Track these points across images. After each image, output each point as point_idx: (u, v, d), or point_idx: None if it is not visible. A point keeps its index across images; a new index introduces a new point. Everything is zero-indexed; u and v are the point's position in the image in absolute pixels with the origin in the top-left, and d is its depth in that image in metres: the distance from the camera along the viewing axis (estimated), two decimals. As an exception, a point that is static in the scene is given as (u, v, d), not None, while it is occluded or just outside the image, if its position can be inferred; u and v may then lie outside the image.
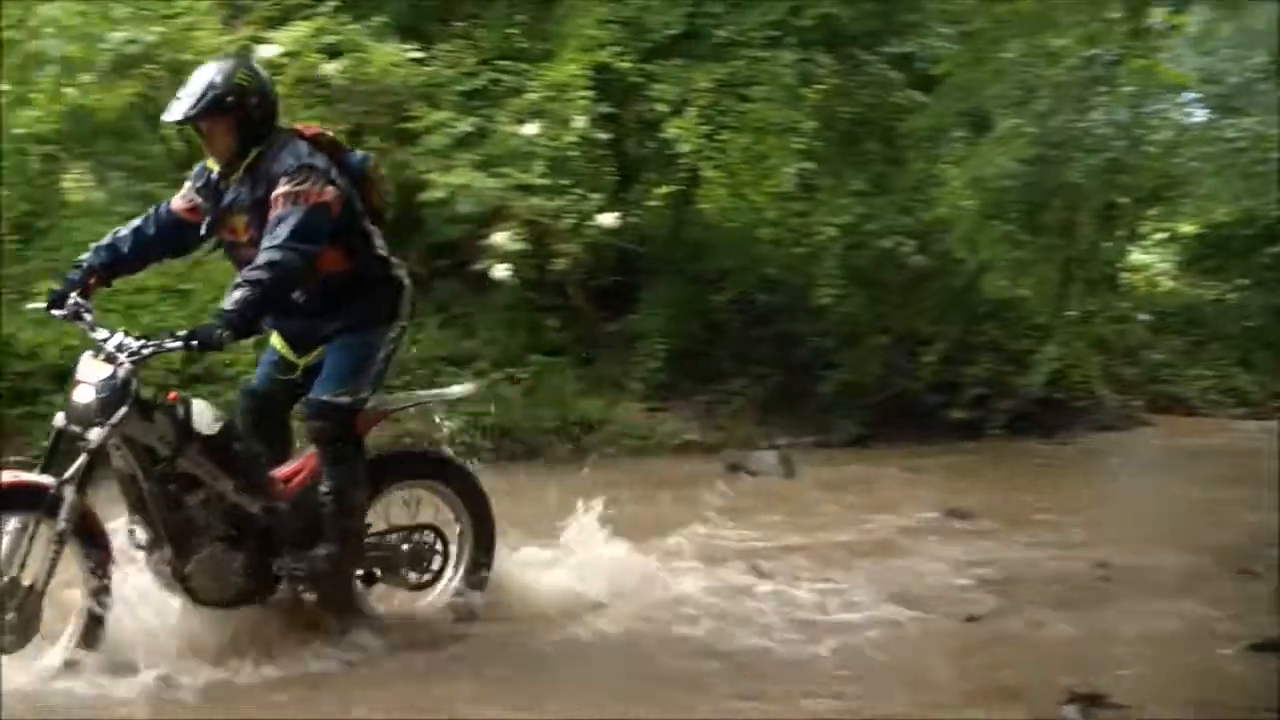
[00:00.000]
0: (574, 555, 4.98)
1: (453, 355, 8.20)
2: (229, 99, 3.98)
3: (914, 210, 10.15)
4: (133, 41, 7.86)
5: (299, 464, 4.32)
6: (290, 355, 4.33)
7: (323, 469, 4.22)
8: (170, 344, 3.79)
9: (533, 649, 4.38)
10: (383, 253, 4.29)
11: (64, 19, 7.80)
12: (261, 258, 3.89)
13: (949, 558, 5.73)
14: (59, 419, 3.84)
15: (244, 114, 4.01)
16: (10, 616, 3.72)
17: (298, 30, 8.13)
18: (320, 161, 4.07)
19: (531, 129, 8.38)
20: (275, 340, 4.37)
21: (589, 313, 9.64)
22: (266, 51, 7.76)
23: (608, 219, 8.57)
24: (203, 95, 3.96)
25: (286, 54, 7.91)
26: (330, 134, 4.34)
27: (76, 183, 8.84)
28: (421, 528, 4.57)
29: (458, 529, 4.65)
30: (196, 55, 7.13)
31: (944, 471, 8.27)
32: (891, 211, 10.02)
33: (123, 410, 3.78)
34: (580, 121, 8.55)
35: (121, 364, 3.79)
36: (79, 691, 3.67)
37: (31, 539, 3.73)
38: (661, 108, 9.10)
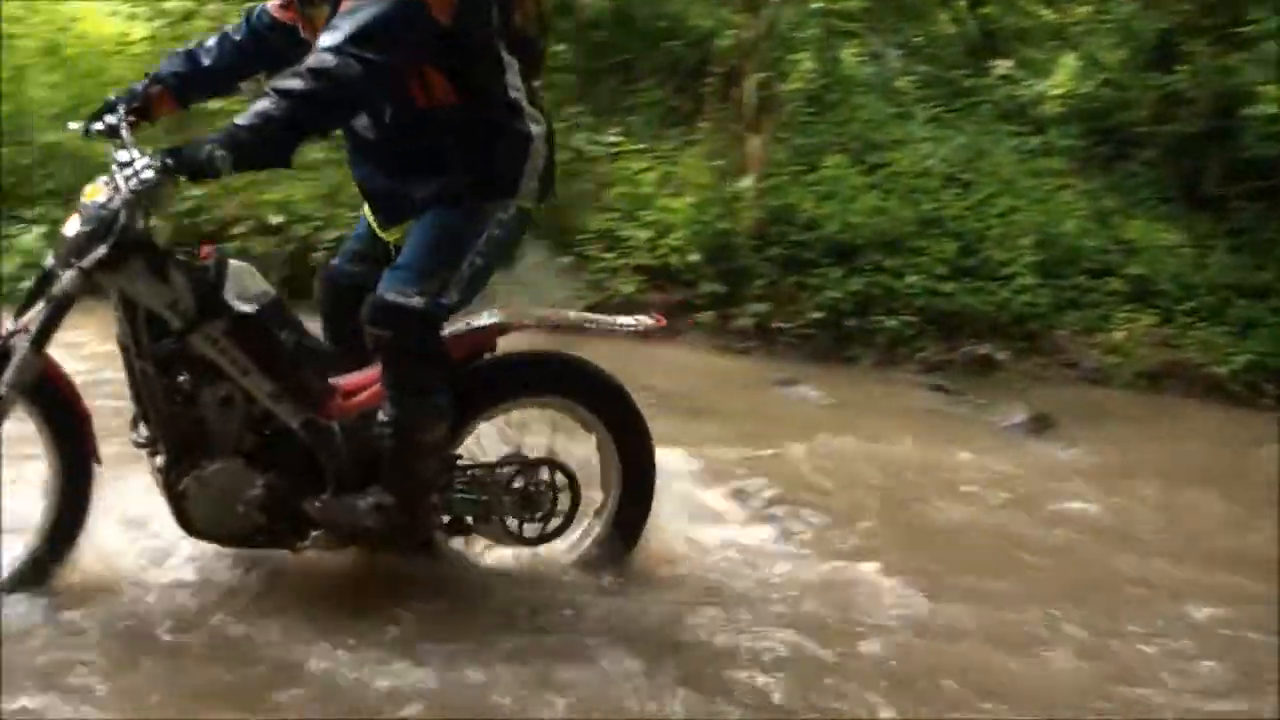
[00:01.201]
0: None
1: (1243, 284, 7.18)
2: None
3: None
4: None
5: (371, 374, 3.19)
6: (379, 228, 3.28)
7: (385, 393, 3.12)
8: (141, 165, 2.77)
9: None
10: (517, 96, 3.09)
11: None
12: (306, 61, 2.83)
13: None
14: (49, 259, 3.00)
15: None
16: None
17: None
18: None
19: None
20: (367, 208, 3.34)
21: None
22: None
23: None
24: None
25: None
26: None
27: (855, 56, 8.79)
28: (537, 463, 3.37)
29: (602, 464, 3.47)
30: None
31: None
32: None
33: (101, 251, 2.84)
34: None
35: (120, 190, 2.82)
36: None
37: None
38: None
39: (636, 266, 6.60)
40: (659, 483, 3.52)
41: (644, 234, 6.69)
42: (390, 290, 3.01)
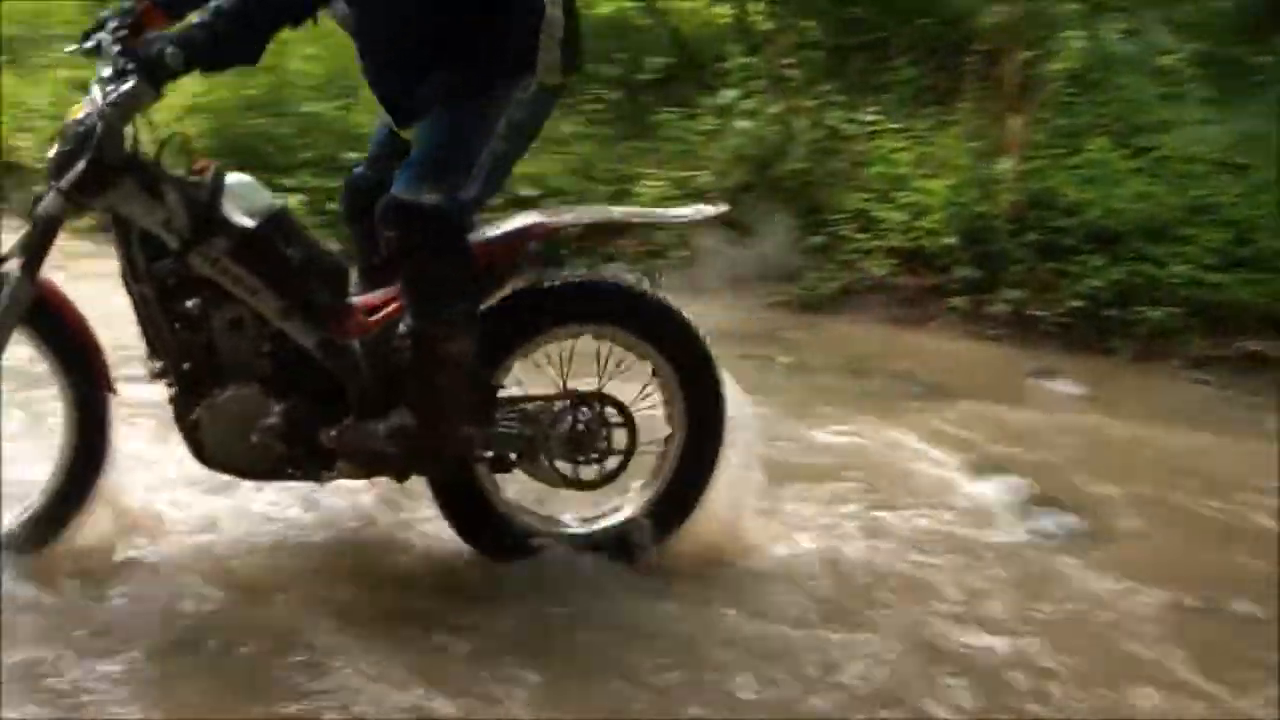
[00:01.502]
0: None
1: None
2: None
3: None
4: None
5: (395, 290, 2.97)
6: (396, 128, 3.07)
7: (404, 302, 2.91)
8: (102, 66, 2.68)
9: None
10: None
11: None
12: None
13: None
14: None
15: None
16: None
17: None
18: None
19: None
20: (381, 109, 3.10)
21: None
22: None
23: None
24: None
25: None
26: None
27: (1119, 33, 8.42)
28: (587, 397, 3.08)
29: (665, 404, 3.15)
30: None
31: None
32: None
33: (80, 167, 2.73)
34: None
35: (97, 105, 2.72)
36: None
37: None
38: None
39: (890, 249, 6.53)
40: (918, 471, 3.42)
41: (898, 216, 6.62)
42: (402, 188, 2.84)
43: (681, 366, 3.16)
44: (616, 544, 3.18)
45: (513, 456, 3.15)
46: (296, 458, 2.98)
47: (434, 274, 2.86)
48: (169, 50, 2.63)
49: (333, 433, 2.94)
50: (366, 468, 3.03)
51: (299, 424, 2.93)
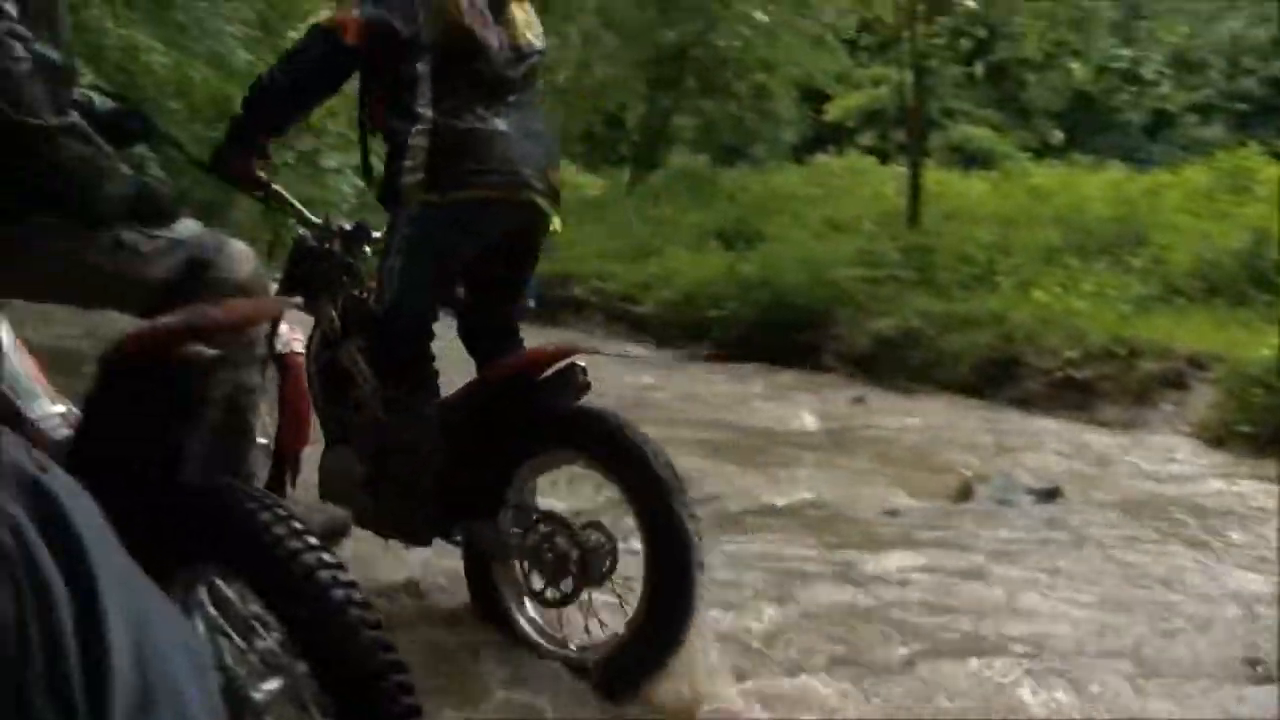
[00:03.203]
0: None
1: None
2: None
3: None
4: None
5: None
6: None
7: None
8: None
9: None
10: (420, 106, 3.23)
11: None
12: None
13: None
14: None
15: None
16: None
17: None
18: None
19: None
20: None
21: None
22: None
23: None
24: None
25: None
26: None
27: None
28: (562, 523, 3.19)
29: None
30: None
31: None
32: None
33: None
34: None
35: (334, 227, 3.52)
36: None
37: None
38: None
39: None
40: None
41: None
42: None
43: (641, 507, 3.11)
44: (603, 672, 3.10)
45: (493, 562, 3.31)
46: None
47: (389, 372, 3.37)
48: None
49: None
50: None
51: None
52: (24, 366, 2.53)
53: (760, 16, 15.37)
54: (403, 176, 3.26)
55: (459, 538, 3.36)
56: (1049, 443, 6.68)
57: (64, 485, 0.63)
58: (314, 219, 3.46)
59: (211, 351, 2.08)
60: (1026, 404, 7.67)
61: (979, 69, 14.92)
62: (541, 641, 3.26)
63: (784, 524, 4.88)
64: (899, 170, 13.91)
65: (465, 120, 3.26)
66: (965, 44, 12.36)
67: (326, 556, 1.94)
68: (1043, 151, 17.49)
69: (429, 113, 3.24)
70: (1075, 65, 14.66)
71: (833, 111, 19.34)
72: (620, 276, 11.14)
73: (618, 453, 3.11)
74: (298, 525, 1.96)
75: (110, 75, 9.51)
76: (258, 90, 3.24)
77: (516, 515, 3.26)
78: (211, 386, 2.10)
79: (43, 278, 2.37)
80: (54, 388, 2.52)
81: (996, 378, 8.03)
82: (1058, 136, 17.30)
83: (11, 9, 2.13)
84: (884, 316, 8.97)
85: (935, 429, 7.01)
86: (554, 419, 3.26)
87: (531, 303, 3.60)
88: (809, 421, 7.19)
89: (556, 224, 3.44)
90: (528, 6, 3.45)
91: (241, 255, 2.40)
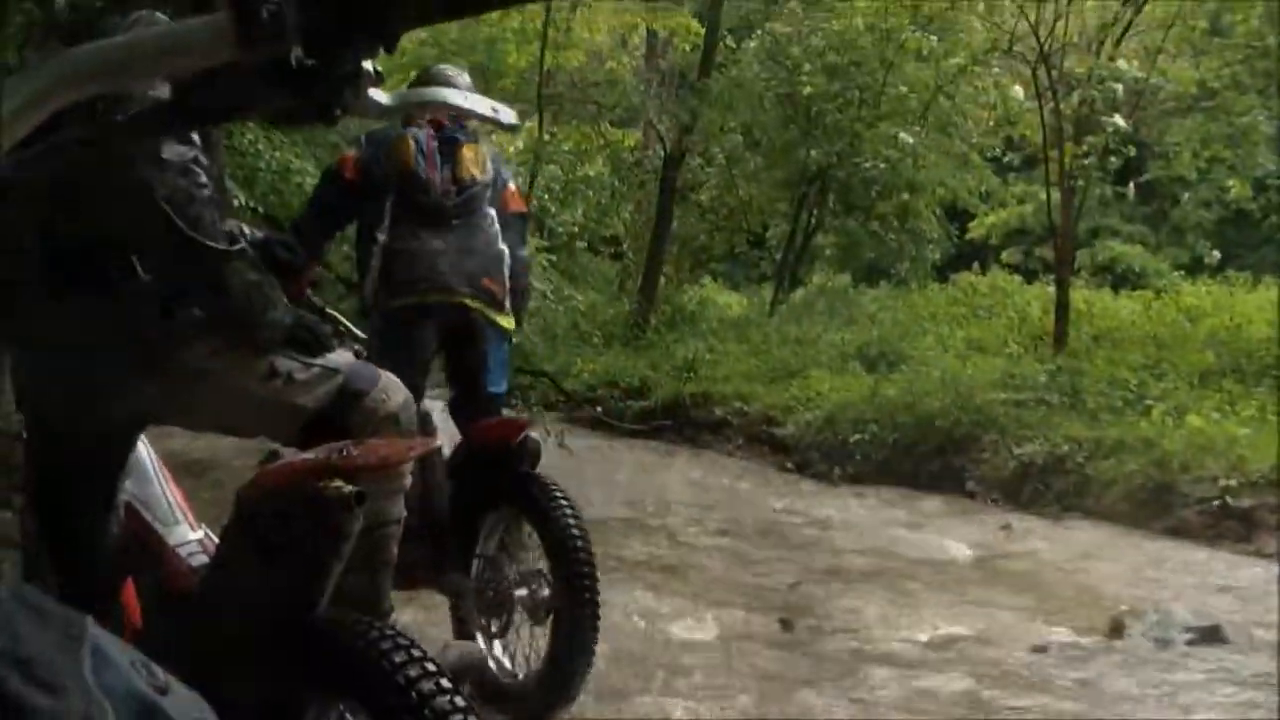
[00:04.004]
0: None
1: None
2: None
3: None
4: None
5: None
6: None
7: None
8: None
9: None
10: (380, 233, 4.01)
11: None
12: None
13: None
14: None
15: None
16: None
17: None
18: None
19: None
20: None
21: None
22: None
23: None
24: None
25: None
26: None
27: None
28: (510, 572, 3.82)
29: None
30: None
31: None
32: None
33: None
34: None
35: None
36: None
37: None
38: None
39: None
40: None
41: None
42: None
43: (555, 553, 3.62)
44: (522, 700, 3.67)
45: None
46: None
47: None
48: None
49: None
50: None
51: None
52: (166, 490, 2.62)
53: (905, 138, 15.40)
54: (367, 290, 4.05)
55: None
56: (1207, 576, 6.40)
57: (183, 710, 0.61)
58: (358, 331, 3.73)
59: (351, 488, 2.12)
60: (1182, 534, 7.38)
61: (1130, 187, 14.70)
62: (499, 673, 3.80)
63: (925, 657, 4.76)
64: (1045, 289, 13.71)
65: (407, 242, 4.00)
66: (1114, 161, 12.18)
67: (459, 700, 1.97)
68: (1196, 270, 17.06)
69: (384, 238, 4.00)
70: (1232, 181, 14.34)
71: (977, 228, 19.22)
72: (761, 397, 11.11)
73: (545, 513, 3.62)
74: (431, 666, 1.99)
75: (263, 196, 9.98)
76: (293, 226, 4.07)
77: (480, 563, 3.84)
78: (349, 522, 2.14)
79: (199, 402, 2.45)
80: (192, 509, 2.60)
81: (1149, 506, 7.76)
82: (1214, 255, 16.86)
83: (196, 139, 2.28)
84: (1030, 441, 8.76)
85: (1085, 559, 6.78)
86: (510, 482, 3.78)
87: (504, 386, 4.17)
88: (954, 550, 7.02)
89: (506, 323, 4.10)
90: (480, 147, 4.14)
91: (393, 387, 2.47)
